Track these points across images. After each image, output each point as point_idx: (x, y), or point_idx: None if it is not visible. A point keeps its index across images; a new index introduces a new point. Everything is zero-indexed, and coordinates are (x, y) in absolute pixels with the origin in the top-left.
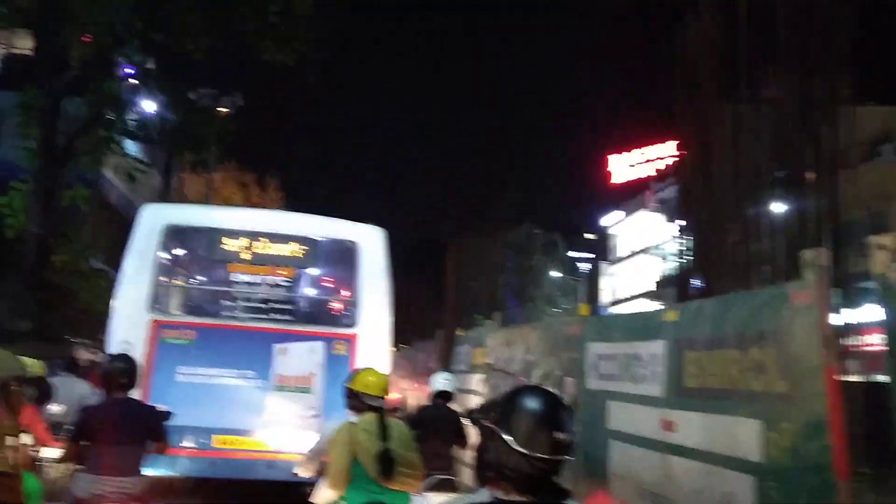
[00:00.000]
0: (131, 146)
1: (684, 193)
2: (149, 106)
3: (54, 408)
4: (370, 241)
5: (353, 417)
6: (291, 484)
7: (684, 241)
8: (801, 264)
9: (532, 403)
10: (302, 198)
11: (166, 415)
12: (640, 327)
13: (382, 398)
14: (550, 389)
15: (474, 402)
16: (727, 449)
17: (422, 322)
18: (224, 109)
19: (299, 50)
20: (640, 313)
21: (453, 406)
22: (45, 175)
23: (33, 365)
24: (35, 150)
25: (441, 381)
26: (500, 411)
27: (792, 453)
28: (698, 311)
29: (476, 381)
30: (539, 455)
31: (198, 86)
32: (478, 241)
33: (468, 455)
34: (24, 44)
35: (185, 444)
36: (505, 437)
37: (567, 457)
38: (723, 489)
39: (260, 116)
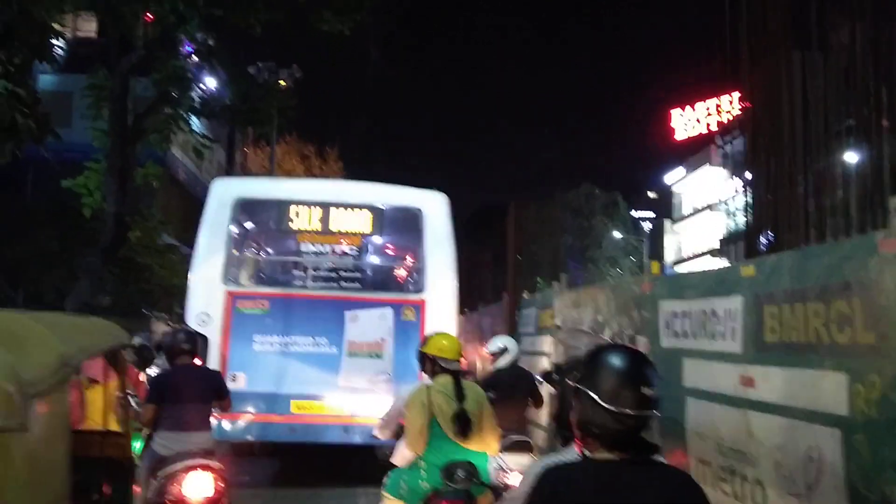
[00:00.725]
0: (196, 123)
1: (751, 146)
2: (211, 82)
3: (152, 372)
4: (434, 207)
5: (428, 380)
6: (365, 447)
7: (751, 196)
8: (890, 212)
9: (616, 360)
10: (362, 166)
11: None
12: (715, 284)
13: (456, 361)
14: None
15: (544, 364)
16: (811, 403)
17: (484, 286)
18: (283, 83)
19: (356, 19)
20: (715, 269)
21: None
22: (117, 154)
23: None
24: (106, 130)
25: (513, 344)
26: (584, 370)
27: (880, 405)
28: (777, 265)
29: (545, 342)
30: (626, 411)
31: (257, 60)
32: (538, 204)
33: (542, 416)
34: (88, 27)
35: (264, 410)
36: (591, 394)
37: (654, 412)
38: (807, 443)
39: (319, 87)
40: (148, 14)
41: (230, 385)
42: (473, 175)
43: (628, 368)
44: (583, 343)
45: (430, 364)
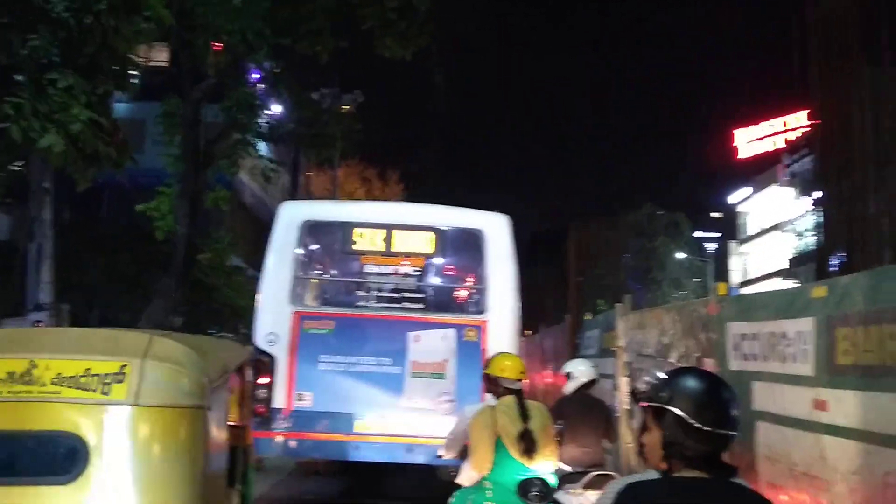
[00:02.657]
0: (263, 148)
1: (820, 164)
2: (277, 108)
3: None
4: (496, 229)
5: (492, 401)
6: (427, 466)
7: (820, 215)
8: None
9: (705, 381)
10: (423, 189)
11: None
12: (785, 305)
13: (519, 380)
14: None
15: (607, 386)
16: (887, 427)
17: (546, 308)
18: (346, 107)
19: (419, 44)
20: (786, 290)
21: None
22: (188, 179)
23: None
24: (178, 155)
25: (582, 368)
26: (669, 390)
27: None
28: (850, 286)
29: (608, 365)
30: (717, 430)
31: (320, 86)
32: (599, 225)
33: (620, 447)
34: (161, 57)
35: (329, 429)
36: (681, 413)
37: (736, 432)
38: (884, 468)
39: (381, 111)
40: (218, 44)
41: (297, 404)
42: (535, 196)
43: (717, 388)
44: (652, 368)
45: (493, 385)
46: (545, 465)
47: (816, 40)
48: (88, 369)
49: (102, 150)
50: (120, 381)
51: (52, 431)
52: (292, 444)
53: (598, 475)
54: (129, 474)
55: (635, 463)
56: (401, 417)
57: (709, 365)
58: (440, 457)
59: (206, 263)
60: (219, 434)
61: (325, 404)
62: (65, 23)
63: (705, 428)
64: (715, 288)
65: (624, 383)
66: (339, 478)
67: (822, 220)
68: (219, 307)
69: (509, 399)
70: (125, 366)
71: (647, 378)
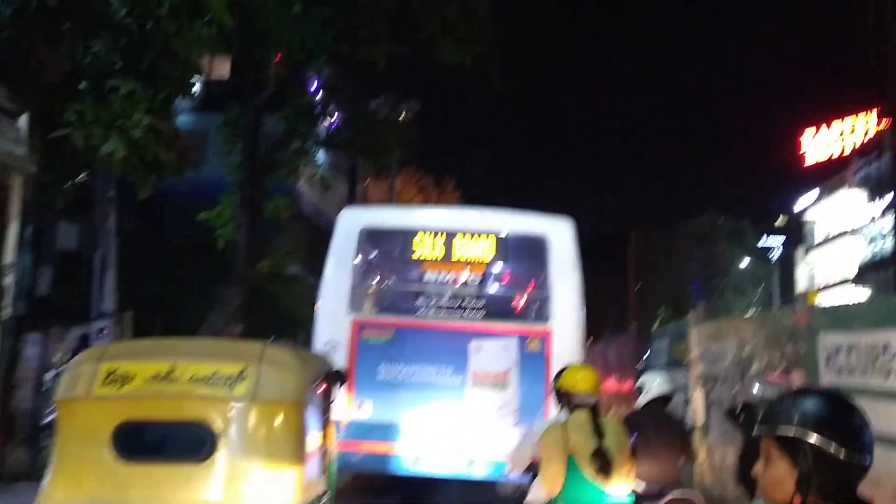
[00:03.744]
0: (322, 156)
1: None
2: (335, 117)
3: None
4: (559, 234)
5: (563, 416)
6: (488, 482)
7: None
8: None
9: (836, 403)
10: (481, 195)
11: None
12: (888, 314)
13: (593, 395)
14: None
15: (678, 399)
16: None
17: (606, 317)
18: (402, 116)
19: (478, 49)
20: (889, 298)
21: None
22: (248, 187)
23: None
24: (238, 164)
25: (657, 382)
26: (801, 415)
27: None
28: None
29: (679, 377)
30: (860, 461)
31: (378, 93)
32: (660, 232)
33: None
34: (222, 69)
35: (390, 440)
36: (821, 444)
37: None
38: None
39: (438, 118)
40: (278, 55)
41: (357, 414)
42: (595, 203)
43: (853, 411)
44: (759, 388)
45: (565, 399)
46: (621, 487)
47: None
48: (216, 371)
49: (163, 157)
50: (241, 381)
51: (188, 421)
52: (351, 456)
53: (681, 499)
54: (248, 456)
55: (710, 482)
56: (461, 429)
57: (797, 379)
58: (507, 473)
59: (265, 272)
60: (314, 428)
61: (384, 415)
62: (126, 28)
63: (853, 461)
64: (804, 296)
65: (698, 397)
66: (393, 496)
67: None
68: (278, 316)
69: (582, 415)
70: (245, 368)
71: (753, 399)
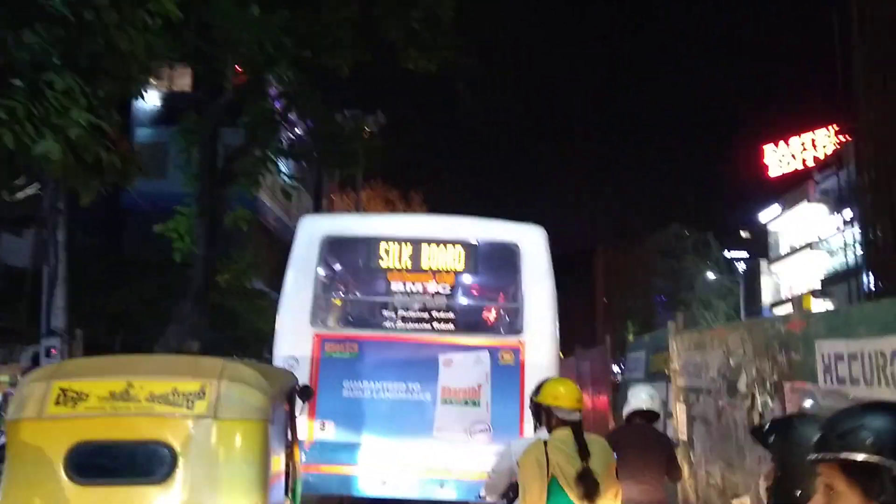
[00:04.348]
0: (284, 166)
1: (862, 178)
2: (298, 124)
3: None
4: (532, 241)
5: (543, 434)
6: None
7: (862, 232)
8: None
9: None
10: (447, 210)
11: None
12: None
13: (576, 410)
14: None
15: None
16: None
17: (575, 331)
18: (367, 129)
19: (444, 56)
20: None
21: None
22: (206, 197)
23: None
24: (196, 173)
25: (643, 397)
26: (876, 438)
27: None
28: None
29: (659, 390)
30: None
31: (343, 107)
32: (626, 246)
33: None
34: (183, 81)
35: (355, 461)
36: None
37: None
38: None
39: (404, 131)
40: (238, 67)
41: (319, 434)
42: (562, 219)
43: None
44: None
45: (545, 416)
46: None
47: (859, 46)
48: (175, 389)
49: (106, 160)
50: (201, 398)
51: (145, 441)
52: (312, 478)
53: None
54: (208, 475)
55: (695, 502)
56: (431, 449)
57: (790, 390)
58: (482, 497)
59: (225, 286)
60: (279, 447)
61: (349, 435)
62: (63, 19)
63: None
64: (799, 301)
65: (680, 411)
66: None
67: (858, 236)
68: (242, 332)
69: (565, 433)
70: (205, 385)
71: (803, 420)
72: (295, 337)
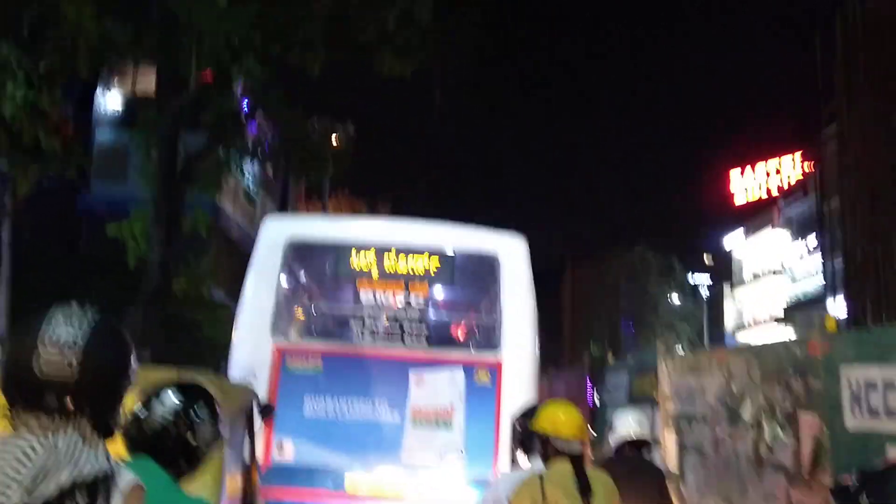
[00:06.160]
0: (248, 171)
1: (844, 205)
2: (265, 128)
3: None
4: (512, 252)
5: (538, 467)
6: None
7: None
8: None
9: None
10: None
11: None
12: None
13: (577, 441)
14: None
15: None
16: None
17: (544, 352)
18: (336, 141)
19: (418, 60)
20: None
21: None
22: (163, 198)
23: None
24: (154, 173)
25: (632, 423)
26: None
27: None
28: None
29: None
30: None
31: (312, 113)
32: (593, 266)
33: None
34: (147, 83)
35: (316, 486)
36: None
37: None
38: None
39: (372, 141)
40: (202, 61)
41: (276, 456)
42: (528, 234)
43: None
44: None
45: (540, 445)
46: None
47: (841, 69)
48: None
49: (46, 143)
50: None
51: None
52: None
53: None
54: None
55: None
56: (400, 475)
57: (808, 423)
58: None
59: (181, 293)
60: (235, 468)
61: (309, 457)
62: None
63: None
64: (822, 322)
65: (670, 438)
66: None
67: (822, 264)
68: (200, 344)
69: (564, 467)
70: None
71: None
72: (254, 349)
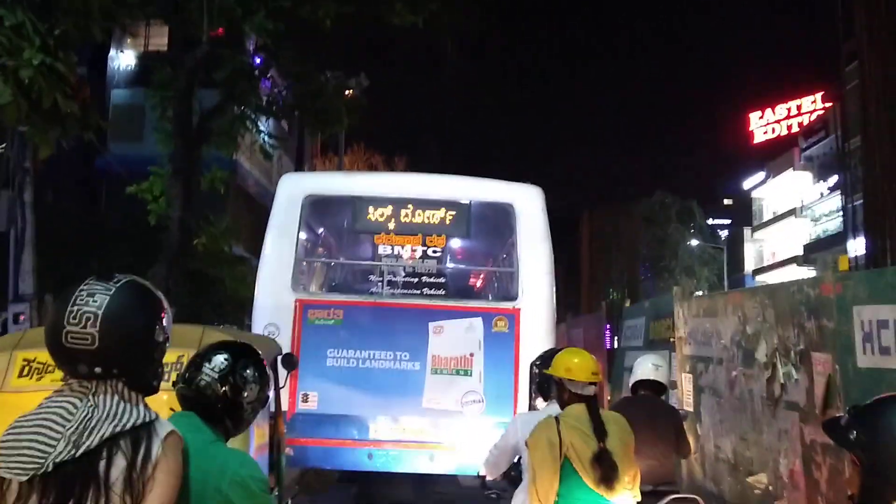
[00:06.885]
0: (264, 126)
1: (865, 144)
2: (278, 82)
3: None
4: (528, 202)
5: (553, 409)
6: (455, 477)
7: (850, 198)
8: None
9: None
10: (430, 173)
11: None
12: None
13: (592, 384)
14: None
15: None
16: None
17: (561, 299)
18: (350, 91)
19: (429, 9)
20: None
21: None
22: (181, 157)
23: None
24: (171, 132)
25: (649, 366)
26: None
27: None
28: None
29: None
30: None
31: (325, 68)
32: (610, 213)
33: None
34: (160, 41)
35: (340, 434)
36: None
37: None
38: None
39: (388, 96)
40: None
41: (301, 406)
42: (545, 184)
43: None
44: None
45: (556, 389)
46: (627, 498)
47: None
48: None
49: (63, 106)
50: (178, 370)
51: None
52: (295, 451)
53: (678, 498)
54: None
55: (701, 477)
56: (421, 421)
57: (821, 361)
58: (482, 477)
59: (203, 249)
60: (261, 418)
61: (333, 406)
62: None
63: None
64: (835, 262)
65: (686, 380)
66: (348, 490)
67: (843, 203)
68: (221, 300)
69: (579, 409)
70: (182, 355)
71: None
72: (275, 303)
